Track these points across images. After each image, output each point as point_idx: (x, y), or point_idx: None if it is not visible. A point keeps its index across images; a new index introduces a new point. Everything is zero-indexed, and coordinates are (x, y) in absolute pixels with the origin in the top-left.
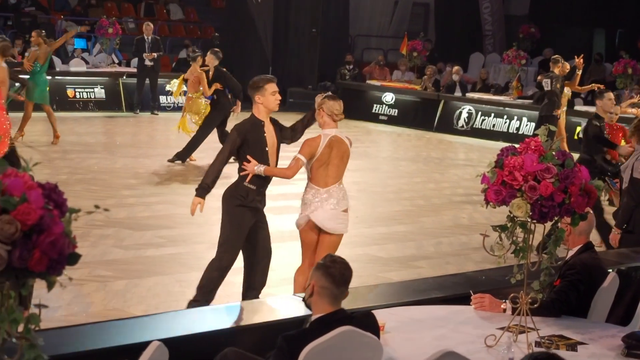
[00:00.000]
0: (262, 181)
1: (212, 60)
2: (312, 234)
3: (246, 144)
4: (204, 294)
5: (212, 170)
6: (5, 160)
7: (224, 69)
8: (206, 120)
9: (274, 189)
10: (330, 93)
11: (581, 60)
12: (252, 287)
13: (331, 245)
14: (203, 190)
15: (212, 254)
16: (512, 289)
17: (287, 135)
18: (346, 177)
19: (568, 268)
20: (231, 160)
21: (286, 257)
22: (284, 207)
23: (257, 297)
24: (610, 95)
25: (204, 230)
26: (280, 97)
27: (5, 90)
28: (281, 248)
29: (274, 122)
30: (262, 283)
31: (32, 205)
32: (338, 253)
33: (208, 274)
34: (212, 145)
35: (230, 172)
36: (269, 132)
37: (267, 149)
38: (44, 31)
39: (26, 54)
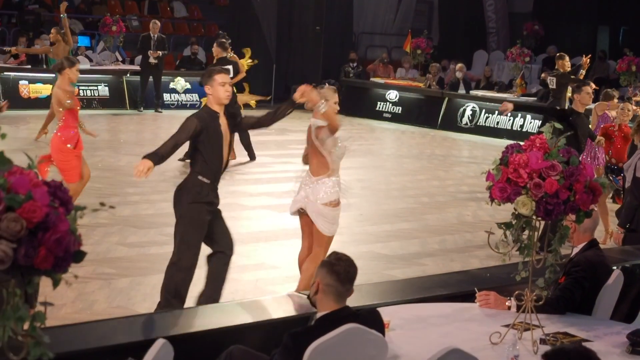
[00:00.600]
0: (215, 175)
1: (218, 52)
2: (305, 217)
3: (204, 133)
4: (168, 299)
5: (167, 146)
6: None
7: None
8: None
9: (277, 187)
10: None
11: (587, 60)
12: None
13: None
14: (156, 157)
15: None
16: (517, 286)
17: (241, 125)
18: (350, 175)
19: (573, 265)
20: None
21: (290, 255)
22: (288, 204)
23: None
24: (589, 89)
25: None
26: (230, 90)
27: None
28: (285, 246)
29: (228, 114)
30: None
31: (37, 203)
32: (342, 250)
33: (169, 278)
34: None
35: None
36: (223, 124)
37: (222, 140)
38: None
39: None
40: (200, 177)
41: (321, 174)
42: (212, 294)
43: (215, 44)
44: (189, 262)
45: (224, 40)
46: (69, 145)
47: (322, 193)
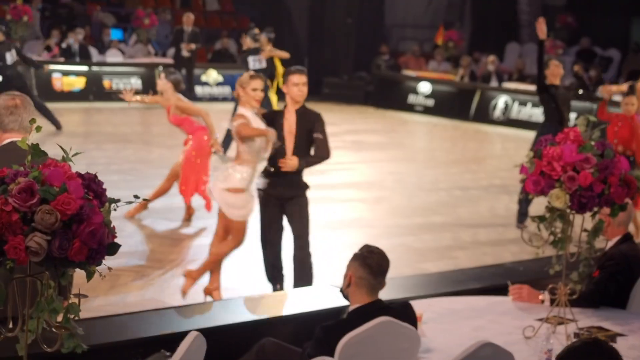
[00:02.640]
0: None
1: (248, 42)
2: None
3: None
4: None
5: None
6: None
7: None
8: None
9: (308, 180)
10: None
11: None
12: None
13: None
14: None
15: (247, 245)
16: (550, 280)
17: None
18: (382, 167)
19: (607, 259)
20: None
21: (322, 248)
22: (319, 197)
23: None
24: (555, 62)
25: None
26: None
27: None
28: (318, 239)
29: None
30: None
31: (71, 195)
32: (374, 243)
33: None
34: None
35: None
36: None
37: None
38: None
39: (63, 45)
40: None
41: (236, 161)
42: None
43: (246, 34)
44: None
45: (256, 31)
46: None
47: (225, 177)
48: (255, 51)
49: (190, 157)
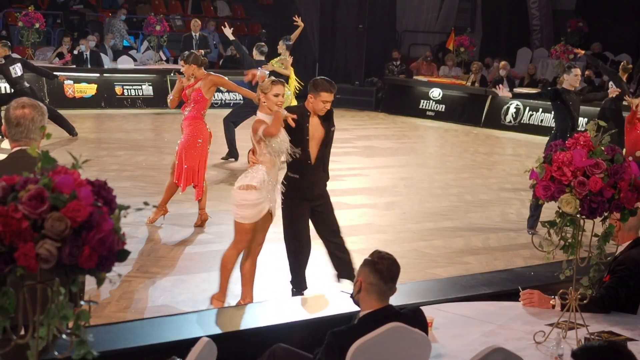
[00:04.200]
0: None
1: (255, 55)
2: None
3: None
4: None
5: None
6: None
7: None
8: (237, 108)
9: None
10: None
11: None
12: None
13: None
14: None
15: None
16: (561, 285)
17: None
18: (393, 173)
19: (617, 264)
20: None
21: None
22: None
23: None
24: (578, 71)
25: None
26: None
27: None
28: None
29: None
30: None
31: (81, 202)
32: (385, 249)
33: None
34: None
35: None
36: (313, 123)
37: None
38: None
39: (75, 52)
40: (289, 174)
41: (254, 162)
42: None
43: (254, 48)
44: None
45: (262, 44)
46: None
47: (241, 177)
48: (260, 64)
49: (195, 143)
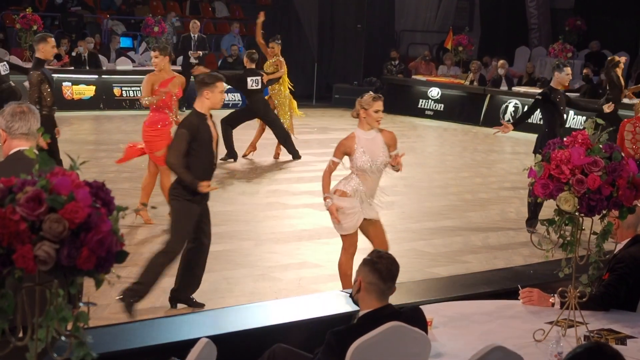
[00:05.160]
0: (208, 177)
1: (246, 62)
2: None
3: (195, 139)
4: (148, 283)
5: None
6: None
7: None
8: (237, 112)
9: (320, 185)
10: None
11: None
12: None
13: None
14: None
15: (258, 250)
16: (560, 283)
17: None
18: (393, 172)
19: (617, 261)
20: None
21: (333, 253)
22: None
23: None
24: (569, 70)
25: (251, 227)
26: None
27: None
28: (328, 244)
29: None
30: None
31: (79, 203)
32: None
33: (154, 263)
34: (262, 143)
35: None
36: (211, 125)
37: (211, 142)
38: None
39: (73, 53)
40: None
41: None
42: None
43: (245, 55)
44: (176, 254)
45: (253, 51)
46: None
47: (337, 183)
48: (253, 72)
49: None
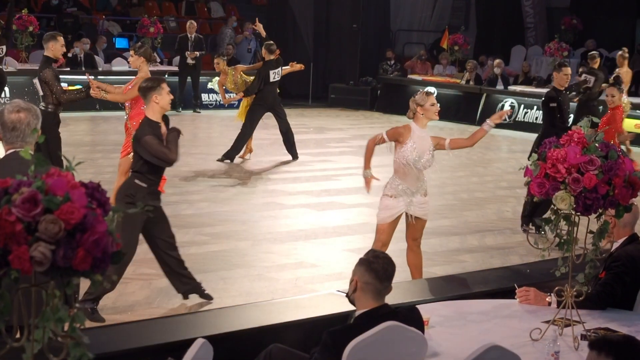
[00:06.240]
0: (154, 180)
1: (265, 54)
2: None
3: None
4: (99, 294)
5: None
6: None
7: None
8: (248, 115)
9: (316, 185)
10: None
11: None
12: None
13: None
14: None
15: (255, 250)
16: (557, 282)
17: None
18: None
19: (613, 260)
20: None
21: (329, 253)
22: (327, 203)
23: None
24: (568, 70)
25: (247, 227)
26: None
27: None
28: (324, 244)
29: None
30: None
31: (75, 204)
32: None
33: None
34: (258, 143)
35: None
36: (164, 130)
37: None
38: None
39: (69, 54)
40: (136, 181)
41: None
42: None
43: (263, 47)
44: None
45: (271, 42)
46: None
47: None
48: (273, 64)
49: None
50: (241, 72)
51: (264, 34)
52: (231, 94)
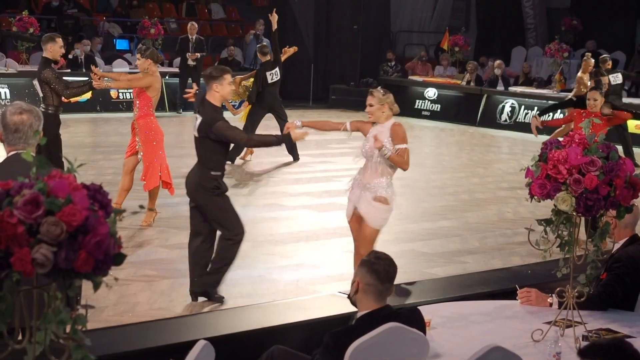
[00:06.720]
0: (223, 165)
1: (260, 57)
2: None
3: None
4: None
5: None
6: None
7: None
8: (249, 117)
9: (317, 187)
10: (383, 87)
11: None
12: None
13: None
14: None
15: (256, 252)
16: (558, 282)
17: None
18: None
19: (614, 261)
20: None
21: (331, 254)
22: (328, 204)
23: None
24: (606, 80)
25: (248, 229)
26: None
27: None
28: (326, 245)
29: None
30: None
31: (77, 206)
32: (383, 249)
33: (227, 252)
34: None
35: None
36: None
37: None
38: None
39: (70, 56)
40: (212, 173)
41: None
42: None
43: (257, 51)
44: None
45: (263, 44)
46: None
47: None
48: (269, 65)
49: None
50: (240, 82)
51: (274, 27)
52: (238, 106)
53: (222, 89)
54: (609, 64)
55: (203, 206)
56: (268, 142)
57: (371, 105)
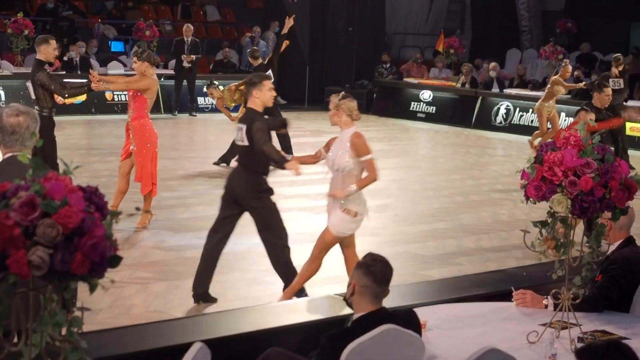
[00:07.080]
0: (267, 168)
1: (252, 61)
2: None
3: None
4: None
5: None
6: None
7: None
8: None
9: (313, 189)
10: (344, 93)
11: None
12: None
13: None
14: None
15: (251, 254)
16: (553, 284)
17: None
18: (385, 175)
19: (609, 263)
20: None
21: (326, 257)
22: (323, 206)
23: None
24: (609, 91)
25: (243, 231)
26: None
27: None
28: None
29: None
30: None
31: (73, 208)
32: (378, 251)
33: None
34: None
35: None
36: None
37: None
38: None
39: (65, 58)
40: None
41: None
42: None
43: (248, 55)
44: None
45: (254, 49)
46: None
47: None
48: (261, 68)
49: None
50: (235, 88)
51: (284, 31)
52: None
53: (262, 95)
54: (622, 65)
55: (255, 210)
56: (273, 160)
57: (329, 110)
